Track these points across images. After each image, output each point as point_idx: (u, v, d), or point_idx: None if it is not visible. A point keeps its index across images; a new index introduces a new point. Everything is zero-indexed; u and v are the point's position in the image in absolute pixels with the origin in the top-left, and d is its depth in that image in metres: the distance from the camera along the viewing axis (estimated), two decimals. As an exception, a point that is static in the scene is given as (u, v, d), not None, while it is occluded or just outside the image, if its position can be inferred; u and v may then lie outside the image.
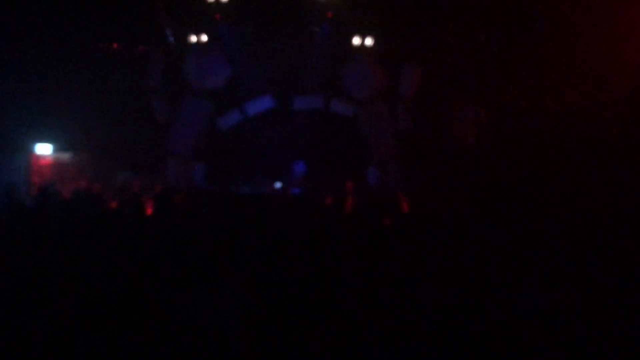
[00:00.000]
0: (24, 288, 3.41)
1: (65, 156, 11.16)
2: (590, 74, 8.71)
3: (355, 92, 10.80)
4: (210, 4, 9.62)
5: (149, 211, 6.55)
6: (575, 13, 8.66)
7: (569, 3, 8.79)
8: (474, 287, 3.40)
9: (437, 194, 9.01)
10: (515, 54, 9.93)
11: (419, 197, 8.19)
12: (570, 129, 9.15)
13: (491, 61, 10.20)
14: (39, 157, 11.03)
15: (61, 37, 10.25)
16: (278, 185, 10.58)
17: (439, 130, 10.94)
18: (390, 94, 10.80)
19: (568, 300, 3.18)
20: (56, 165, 11.07)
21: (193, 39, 10.49)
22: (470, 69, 10.41)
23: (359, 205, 6.95)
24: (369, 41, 10.38)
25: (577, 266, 3.75)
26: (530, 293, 3.25)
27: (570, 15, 8.76)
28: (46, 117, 10.87)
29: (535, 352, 2.81)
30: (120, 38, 10.52)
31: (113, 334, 2.95)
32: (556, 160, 9.07)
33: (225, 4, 9.61)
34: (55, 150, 11.11)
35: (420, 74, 10.55)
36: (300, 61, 10.80)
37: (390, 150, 10.81)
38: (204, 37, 10.45)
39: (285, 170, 10.51)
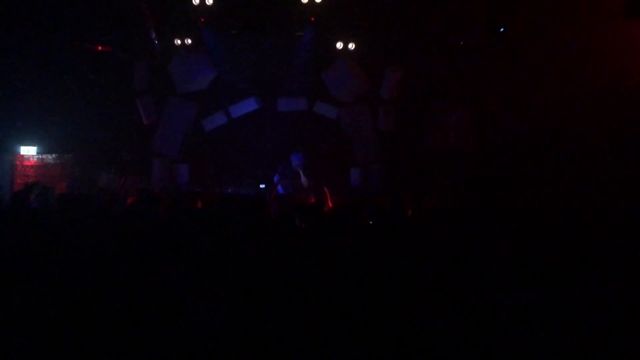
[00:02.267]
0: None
1: (50, 157, 11.18)
2: (570, 75, 8.94)
3: (338, 94, 10.95)
4: (195, 7, 9.74)
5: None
6: (554, 16, 8.89)
7: (548, 6, 9.01)
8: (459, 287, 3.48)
9: (418, 195, 9.16)
10: (495, 57, 10.15)
11: (401, 198, 8.33)
12: (550, 130, 9.37)
13: (472, 64, 10.41)
14: (23, 158, 11.04)
15: (46, 38, 10.29)
16: (263, 186, 10.68)
17: (420, 133, 11.13)
18: (373, 97, 10.96)
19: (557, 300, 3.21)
20: (40, 167, 11.09)
21: (178, 42, 10.60)
22: (451, 72, 10.61)
23: (339, 206, 7.07)
24: (351, 45, 10.55)
25: (558, 266, 3.82)
26: (516, 292, 3.30)
27: (550, 18, 8.99)
28: (31, 119, 10.90)
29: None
30: (106, 40, 10.58)
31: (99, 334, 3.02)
32: (537, 160, 9.28)
33: (209, 7, 9.73)
34: (40, 151, 11.13)
35: (401, 77, 10.72)
36: (284, 64, 10.93)
37: (373, 151, 10.98)
38: (189, 41, 10.56)
39: (269, 171, 10.54)
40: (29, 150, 11.02)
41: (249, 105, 11.20)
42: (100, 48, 10.58)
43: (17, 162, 10.91)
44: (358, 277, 3.58)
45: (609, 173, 8.06)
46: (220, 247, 3.97)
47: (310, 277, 3.62)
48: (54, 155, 11.19)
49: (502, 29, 9.94)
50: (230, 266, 3.60)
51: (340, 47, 10.54)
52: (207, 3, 9.67)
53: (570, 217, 5.73)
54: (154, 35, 10.39)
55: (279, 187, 9.85)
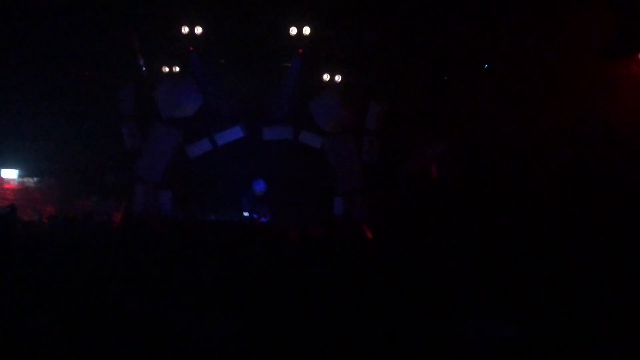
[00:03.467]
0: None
1: (31, 181, 11.04)
2: (551, 113, 9.17)
3: (324, 124, 11.07)
4: (184, 35, 9.85)
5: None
6: (538, 54, 9.16)
7: (532, 45, 9.28)
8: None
9: (400, 225, 9.23)
10: (478, 92, 10.38)
11: (383, 227, 8.40)
12: (531, 164, 9.55)
13: (455, 99, 10.62)
14: (3, 181, 10.89)
15: (30, 62, 10.26)
16: (246, 214, 10.67)
17: (403, 164, 11.26)
18: (357, 128, 11.10)
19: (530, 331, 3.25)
20: (21, 190, 10.94)
21: (165, 69, 10.66)
22: (434, 105, 10.81)
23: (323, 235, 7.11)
24: (337, 77, 10.74)
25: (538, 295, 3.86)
26: (494, 323, 3.33)
27: (533, 56, 9.26)
28: (12, 142, 10.78)
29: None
30: (92, 65, 10.58)
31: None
32: (518, 193, 9.43)
33: (198, 36, 9.86)
34: (21, 175, 10.99)
35: (386, 109, 10.90)
36: (270, 94, 11.05)
37: (356, 181, 11.07)
38: (176, 68, 10.64)
39: (252, 199, 10.57)
40: (10, 173, 10.87)
41: (234, 133, 11.25)
42: (87, 73, 10.57)
43: (-3, 185, 10.78)
44: (333, 307, 3.61)
45: (588, 208, 8.23)
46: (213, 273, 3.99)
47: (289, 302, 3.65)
48: (35, 178, 11.06)
49: (485, 66, 10.20)
50: (227, 290, 3.63)
51: (327, 79, 10.71)
52: (196, 32, 9.80)
53: (550, 250, 5.82)
54: (141, 61, 10.44)
55: (262, 218, 9.89)
